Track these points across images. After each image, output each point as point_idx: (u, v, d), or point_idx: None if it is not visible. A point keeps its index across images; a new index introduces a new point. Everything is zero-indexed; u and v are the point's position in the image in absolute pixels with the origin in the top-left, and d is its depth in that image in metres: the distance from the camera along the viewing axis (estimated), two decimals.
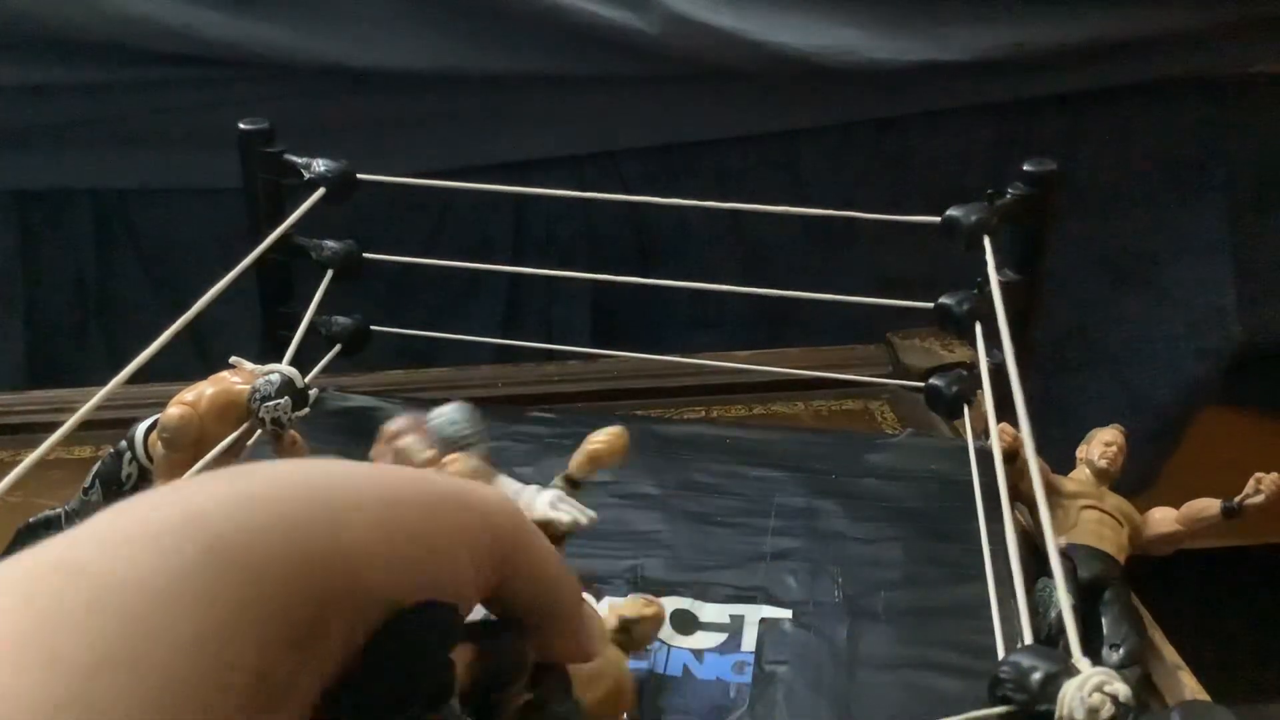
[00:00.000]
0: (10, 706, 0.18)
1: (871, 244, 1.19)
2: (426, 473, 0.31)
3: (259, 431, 0.59)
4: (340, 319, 0.80)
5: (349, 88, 1.11)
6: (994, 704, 0.37)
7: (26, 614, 0.20)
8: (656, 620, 0.51)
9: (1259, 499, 0.66)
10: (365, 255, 0.79)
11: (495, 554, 0.27)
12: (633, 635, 0.51)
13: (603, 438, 0.53)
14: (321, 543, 0.24)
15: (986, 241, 0.68)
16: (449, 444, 0.54)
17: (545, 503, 0.40)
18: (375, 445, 0.53)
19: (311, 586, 0.24)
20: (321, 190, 0.74)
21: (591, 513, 0.43)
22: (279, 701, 0.23)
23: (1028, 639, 0.44)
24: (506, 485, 0.43)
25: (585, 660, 0.30)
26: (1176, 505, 0.69)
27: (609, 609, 0.50)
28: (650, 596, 0.52)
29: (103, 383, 0.49)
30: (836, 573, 0.66)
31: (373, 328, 0.81)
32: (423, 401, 0.80)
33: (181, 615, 0.21)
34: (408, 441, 0.49)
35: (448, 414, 0.57)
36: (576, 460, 0.52)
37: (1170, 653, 0.64)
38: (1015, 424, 0.58)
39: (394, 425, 0.51)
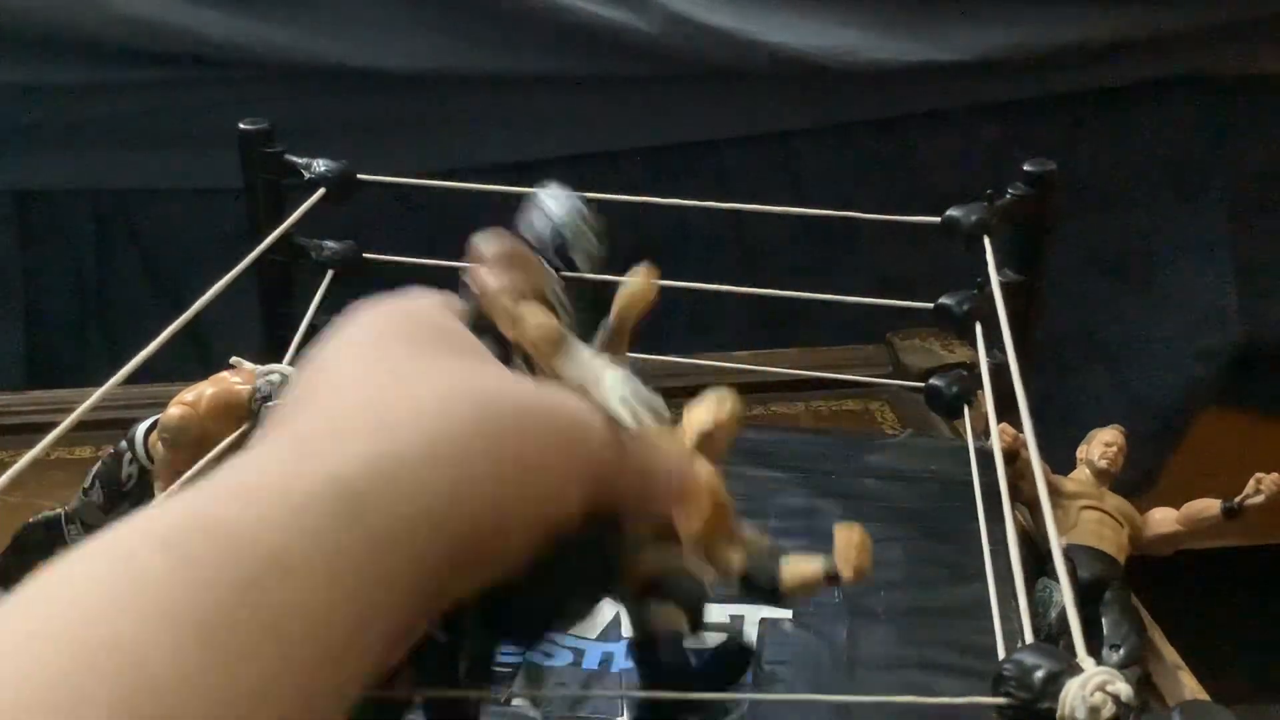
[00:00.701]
0: (159, 676, 0.19)
1: (871, 244, 1.19)
2: (543, 399, 0.30)
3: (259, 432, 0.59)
4: None
5: (349, 88, 1.11)
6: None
7: (177, 579, 0.20)
8: (735, 418, 0.45)
9: (1259, 499, 0.66)
10: (365, 255, 0.79)
11: (598, 481, 0.29)
12: (715, 442, 0.45)
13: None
14: (459, 508, 0.25)
15: (986, 241, 0.68)
16: (563, 246, 0.47)
17: (616, 398, 0.37)
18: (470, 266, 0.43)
19: (445, 555, 0.24)
20: (321, 190, 0.74)
21: (660, 410, 0.38)
22: (397, 651, 0.25)
23: (1028, 639, 0.44)
24: (578, 357, 0.38)
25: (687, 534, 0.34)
26: (1176, 506, 0.69)
27: (685, 421, 0.45)
28: (722, 391, 0.45)
29: (102, 383, 0.49)
30: None
31: None
32: None
33: (326, 589, 0.21)
34: (496, 286, 0.41)
35: (561, 212, 0.47)
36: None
37: (1170, 653, 0.64)
38: (1015, 424, 0.58)
39: (485, 250, 0.42)
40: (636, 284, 0.47)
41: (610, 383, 0.36)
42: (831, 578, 0.42)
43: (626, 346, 0.47)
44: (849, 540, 0.42)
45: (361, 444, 0.24)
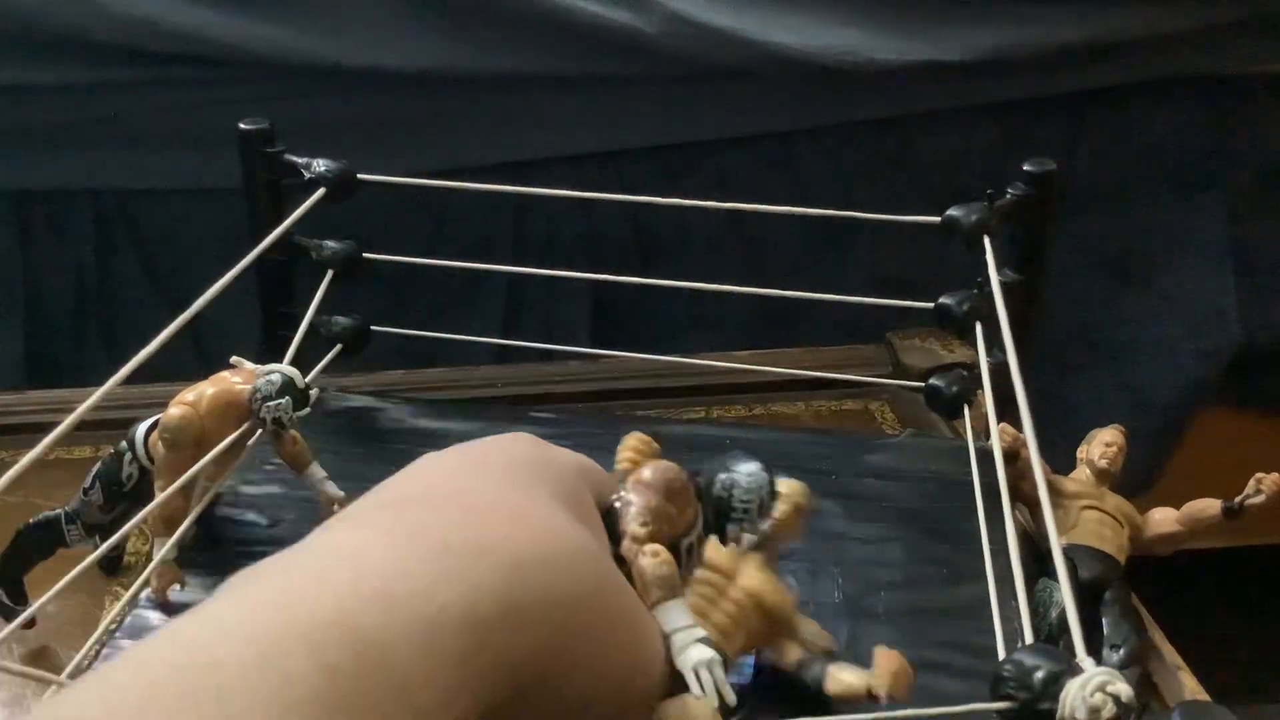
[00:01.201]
0: None
1: (871, 244, 1.19)
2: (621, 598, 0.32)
3: (260, 431, 0.59)
4: (340, 319, 0.80)
5: (349, 88, 1.11)
6: (995, 702, 0.37)
7: (322, 693, 0.21)
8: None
9: (1259, 499, 0.66)
10: (365, 255, 0.79)
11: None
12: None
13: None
14: (553, 659, 0.25)
15: (986, 241, 0.68)
16: (726, 507, 0.47)
17: (691, 665, 0.39)
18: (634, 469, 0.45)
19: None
20: (321, 190, 0.74)
21: (730, 697, 0.41)
22: None
23: (1028, 639, 0.44)
24: (674, 613, 0.40)
25: None
26: (1177, 505, 0.69)
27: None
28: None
29: (102, 383, 0.49)
30: (836, 573, 0.66)
31: (373, 328, 0.81)
32: (427, 403, 0.80)
33: (439, 707, 0.22)
34: (640, 506, 0.42)
35: (748, 480, 0.48)
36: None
37: (1170, 653, 0.64)
38: (1015, 424, 0.58)
39: (657, 468, 0.44)
40: (785, 513, 0.49)
41: (694, 654, 0.39)
42: (872, 696, 0.45)
43: (775, 564, 0.48)
44: (889, 666, 0.45)
45: (497, 576, 0.25)
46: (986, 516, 0.63)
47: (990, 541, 0.61)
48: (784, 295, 0.81)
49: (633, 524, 0.41)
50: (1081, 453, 0.71)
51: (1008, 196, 0.71)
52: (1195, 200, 1.23)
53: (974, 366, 0.72)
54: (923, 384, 0.78)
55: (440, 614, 0.23)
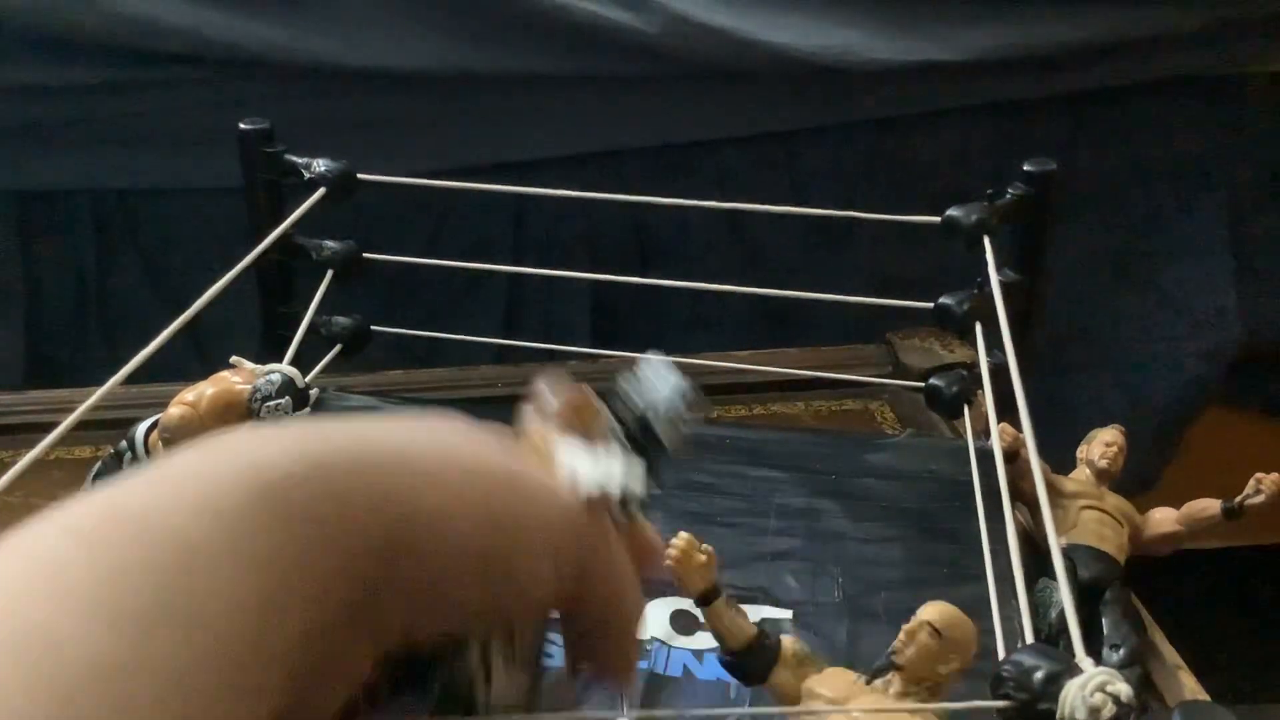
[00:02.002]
0: (73, 662, 0.19)
1: (871, 244, 1.19)
2: (520, 458, 0.29)
3: None
4: (340, 319, 0.80)
5: (349, 88, 1.11)
6: (995, 701, 0.37)
7: (87, 565, 0.20)
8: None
9: (1259, 499, 0.66)
10: (365, 255, 0.79)
11: (577, 564, 0.27)
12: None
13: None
14: (393, 508, 0.24)
15: (986, 241, 0.68)
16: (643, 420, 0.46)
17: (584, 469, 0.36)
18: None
19: (373, 549, 0.23)
20: (321, 190, 0.74)
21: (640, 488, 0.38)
22: (330, 671, 0.23)
23: (1028, 639, 0.44)
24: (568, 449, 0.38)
25: (617, 682, 0.30)
26: (1177, 505, 0.69)
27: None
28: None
29: (102, 383, 0.49)
30: (837, 573, 0.66)
31: (373, 328, 0.81)
32: (427, 403, 0.80)
33: (238, 574, 0.21)
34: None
35: (658, 392, 0.47)
36: None
37: (1170, 653, 0.64)
38: (1015, 424, 0.58)
39: (554, 394, 0.42)
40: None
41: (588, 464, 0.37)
42: None
43: None
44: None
45: (296, 443, 0.24)
46: (986, 516, 0.63)
47: (990, 541, 0.61)
48: (784, 295, 0.81)
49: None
50: (1081, 453, 0.71)
51: (1008, 196, 0.71)
52: (1195, 200, 1.23)
53: (974, 366, 0.72)
54: (923, 384, 0.78)
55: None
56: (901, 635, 0.45)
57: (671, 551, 0.48)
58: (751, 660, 0.49)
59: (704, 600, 0.49)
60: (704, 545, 0.49)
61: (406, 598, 0.24)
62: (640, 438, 0.43)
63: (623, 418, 0.44)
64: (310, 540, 0.22)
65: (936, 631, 0.44)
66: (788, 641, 0.50)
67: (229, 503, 0.22)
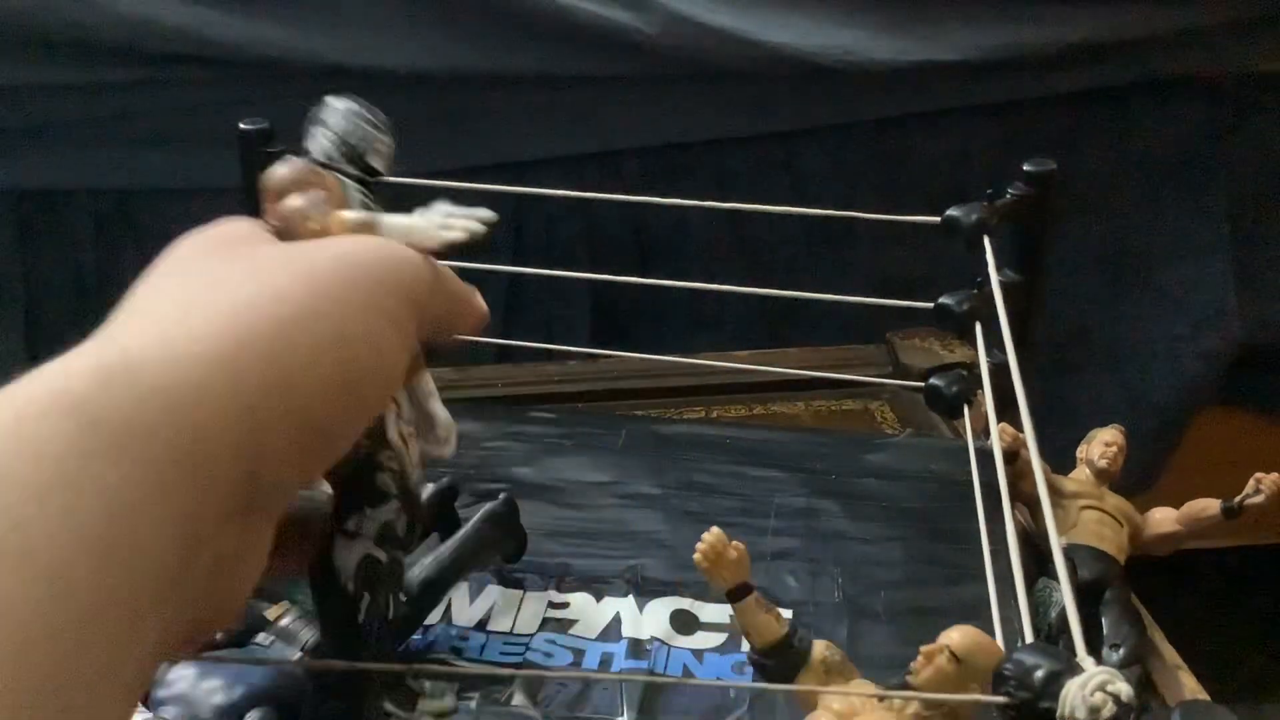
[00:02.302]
0: None
1: (871, 244, 1.19)
2: (335, 248, 0.29)
3: None
4: None
5: (349, 88, 1.11)
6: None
7: None
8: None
9: (1259, 499, 0.66)
10: None
11: (416, 314, 0.28)
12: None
13: None
14: (244, 398, 0.23)
15: (986, 241, 0.68)
16: (352, 153, 0.47)
17: (436, 227, 0.37)
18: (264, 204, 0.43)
19: (239, 447, 0.22)
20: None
21: (485, 213, 0.38)
22: (228, 575, 0.23)
23: (1028, 639, 0.44)
24: (393, 224, 0.38)
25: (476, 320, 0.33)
26: (1176, 505, 0.69)
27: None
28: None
29: None
30: (836, 573, 0.66)
31: None
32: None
33: (67, 506, 0.19)
34: (297, 205, 0.39)
35: (341, 121, 0.47)
36: None
37: (1170, 653, 0.64)
38: (1015, 424, 0.58)
39: (275, 179, 0.41)
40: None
41: (423, 217, 0.37)
42: None
43: None
44: None
45: (94, 350, 0.23)
46: (986, 516, 0.63)
47: (990, 541, 0.61)
48: (784, 295, 0.81)
49: (310, 224, 0.38)
50: (1081, 452, 0.71)
51: (1008, 196, 0.71)
52: (1195, 200, 1.23)
53: (974, 366, 0.72)
54: (923, 384, 0.78)
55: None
56: (920, 656, 0.44)
57: (702, 547, 0.48)
58: (777, 661, 0.49)
59: (735, 597, 0.49)
60: (734, 542, 0.49)
61: (298, 455, 0.24)
62: (354, 171, 0.45)
63: (332, 165, 0.45)
64: (155, 464, 0.21)
65: (956, 657, 0.43)
66: (819, 647, 0.49)
67: (48, 439, 0.20)
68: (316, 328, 0.25)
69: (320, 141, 0.47)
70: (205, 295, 0.25)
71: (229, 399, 0.23)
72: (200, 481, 0.21)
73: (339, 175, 0.46)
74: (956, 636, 0.44)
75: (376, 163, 0.48)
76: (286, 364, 0.24)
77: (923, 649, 0.44)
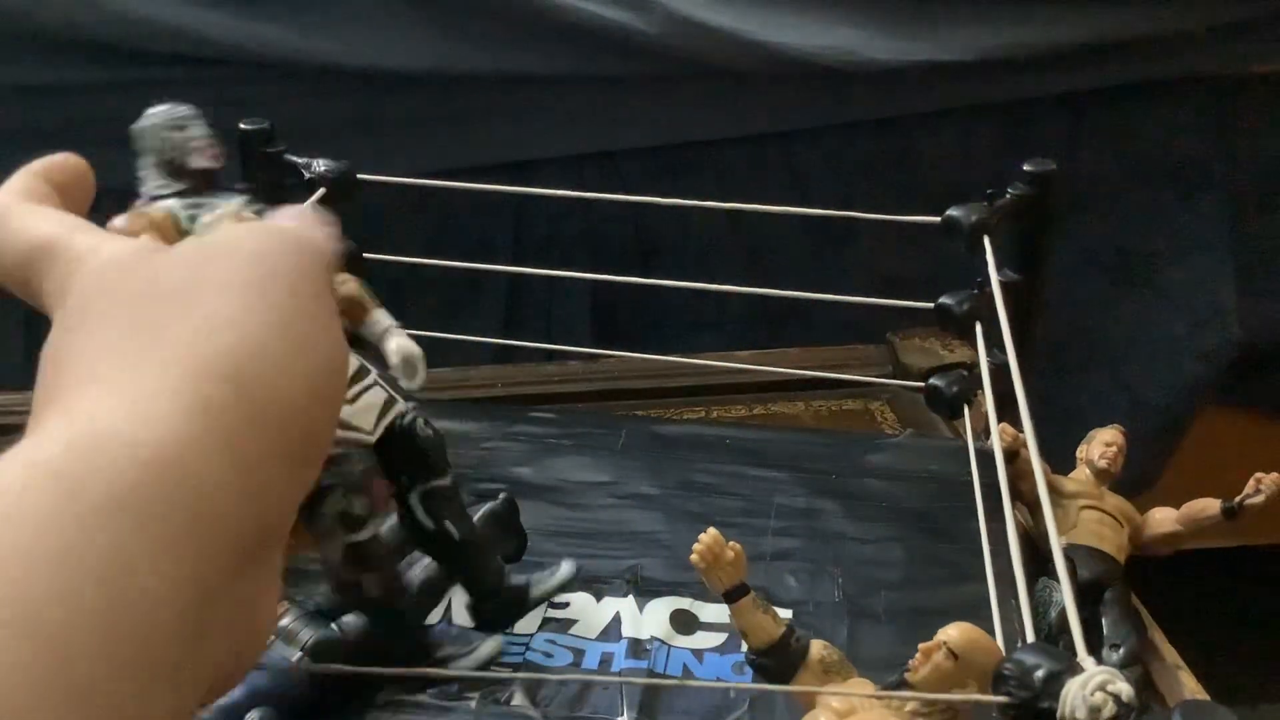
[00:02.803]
0: None
1: (871, 244, 1.19)
2: (243, 249, 0.27)
3: None
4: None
5: (349, 88, 1.11)
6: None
7: None
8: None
9: (1259, 499, 0.66)
10: (365, 255, 0.79)
11: (328, 275, 0.27)
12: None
13: None
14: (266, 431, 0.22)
15: (986, 241, 0.68)
16: (173, 167, 0.46)
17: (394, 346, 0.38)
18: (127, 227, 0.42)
19: (239, 493, 0.21)
20: (321, 190, 0.74)
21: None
22: (246, 621, 0.22)
23: (1029, 639, 0.44)
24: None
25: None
26: (1176, 505, 0.69)
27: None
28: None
29: None
30: (836, 573, 0.66)
31: None
32: (427, 403, 0.80)
33: (56, 575, 0.18)
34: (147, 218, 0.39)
35: (149, 142, 0.48)
36: None
37: (1170, 653, 0.64)
38: (1015, 424, 0.58)
39: (119, 221, 0.42)
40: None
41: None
42: None
43: None
44: None
45: (60, 427, 0.22)
46: (986, 516, 0.63)
47: (990, 541, 0.61)
48: (784, 295, 0.81)
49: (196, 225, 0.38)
50: (1081, 453, 0.71)
51: (1008, 196, 0.71)
52: (1195, 200, 1.23)
53: (974, 366, 0.72)
54: (923, 384, 0.78)
55: None
56: (919, 654, 0.44)
57: (699, 548, 0.48)
58: (775, 661, 0.49)
59: (731, 597, 0.49)
60: (731, 543, 0.49)
61: (295, 478, 0.23)
62: (193, 180, 0.44)
63: (166, 191, 0.44)
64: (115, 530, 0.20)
65: (953, 654, 0.43)
66: (817, 646, 0.49)
67: (44, 511, 0.19)
68: (274, 346, 0.24)
69: (144, 174, 0.46)
70: (150, 340, 0.24)
71: (216, 450, 0.22)
72: (202, 535, 0.21)
73: (169, 204, 0.44)
74: (954, 633, 0.44)
75: (201, 162, 0.47)
76: (260, 394, 0.23)
77: (921, 646, 0.44)
